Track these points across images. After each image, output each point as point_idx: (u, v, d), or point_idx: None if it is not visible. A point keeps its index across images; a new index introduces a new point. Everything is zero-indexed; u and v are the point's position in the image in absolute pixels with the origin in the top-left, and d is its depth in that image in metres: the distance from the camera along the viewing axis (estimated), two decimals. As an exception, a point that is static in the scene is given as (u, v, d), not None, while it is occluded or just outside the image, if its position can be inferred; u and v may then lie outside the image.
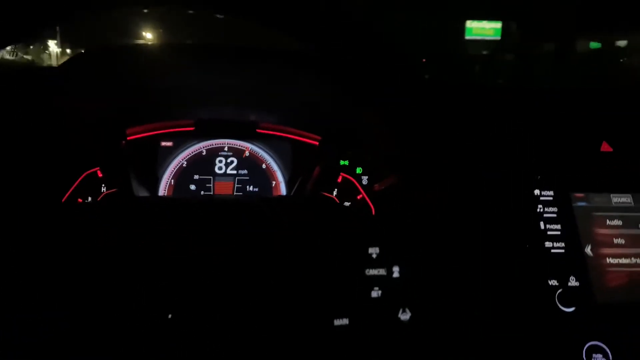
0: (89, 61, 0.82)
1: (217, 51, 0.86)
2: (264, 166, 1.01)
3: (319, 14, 0.67)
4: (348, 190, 0.98)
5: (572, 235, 0.74)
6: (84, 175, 0.94)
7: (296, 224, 0.66)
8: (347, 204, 0.98)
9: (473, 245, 0.72)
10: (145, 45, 0.89)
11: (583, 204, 0.76)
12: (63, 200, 0.93)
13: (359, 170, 0.99)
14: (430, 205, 0.77)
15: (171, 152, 0.99)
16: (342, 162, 0.99)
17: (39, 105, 0.83)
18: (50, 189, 0.91)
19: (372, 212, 0.96)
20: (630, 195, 0.77)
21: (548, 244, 0.73)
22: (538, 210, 0.75)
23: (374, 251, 0.66)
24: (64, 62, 0.81)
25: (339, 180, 0.99)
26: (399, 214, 0.83)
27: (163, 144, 0.99)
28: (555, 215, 0.75)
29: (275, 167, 1.01)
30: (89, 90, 0.85)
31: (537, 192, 0.76)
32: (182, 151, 1.00)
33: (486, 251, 0.71)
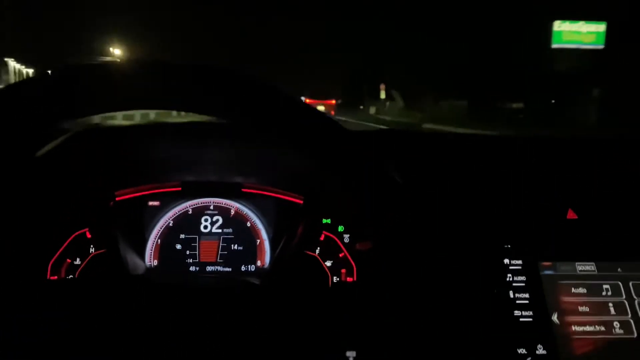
0: (82, 141, 0.85)
1: (197, 129, 0.91)
2: (248, 224, 1.05)
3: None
4: (330, 249, 1.02)
5: (540, 303, 0.78)
6: (73, 236, 0.97)
7: (277, 320, 0.69)
8: (328, 263, 1.01)
9: (448, 315, 0.76)
10: (133, 126, 0.94)
11: (550, 272, 0.80)
12: (52, 260, 0.96)
13: (340, 228, 1.03)
14: (408, 271, 0.81)
15: (158, 212, 1.03)
16: (324, 220, 1.03)
17: (28, 171, 0.86)
18: (39, 249, 0.94)
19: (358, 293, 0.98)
20: (593, 263, 0.82)
21: (517, 313, 0.77)
22: (507, 279, 0.80)
23: (350, 355, 0.68)
24: (57, 145, 0.85)
25: (322, 238, 1.02)
26: (380, 278, 0.86)
27: (150, 203, 1.03)
28: (523, 284, 0.79)
29: (259, 225, 1.05)
30: (82, 164, 0.89)
31: (506, 260, 0.81)
32: (169, 211, 1.03)
33: (461, 321, 0.75)
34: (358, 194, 0.90)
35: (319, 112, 0.62)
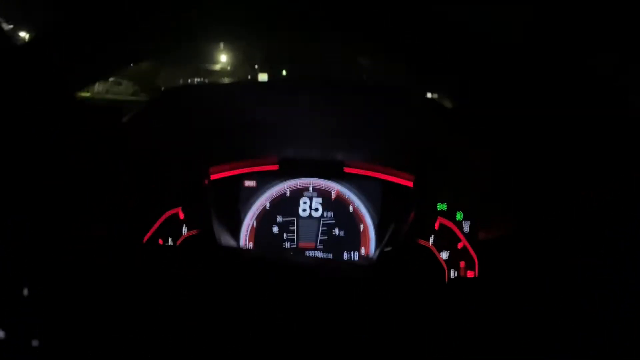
0: (171, 100, 0.78)
1: (301, 86, 0.81)
2: (351, 209, 0.93)
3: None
4: (447, 239, 0.88)
5: None
6: (165, 216, 0.91)
7: (389, 301, 0.57)
8: (444, 255, 0.87)
9: (596, 315, 0.59)
10: (225, 84, 0.86)
11: None
12: (145, 239, 0.90)
13: (459, 215, 0.88)
14: (548, 265, 0.66)
15: (254, 193, 0.94)
16: (439, 206, 0.89)
17: (121, 145, 0.81)
18: (132, 228, 0.88)
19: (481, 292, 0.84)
20: None
21: None
22: None
23: None
24: (147, 103, 0.79)
25: (436, 227, 0.88)
26: (508, 273, 0.71)
27: (246, 184, 0.94)
28: None
29: (363, 210, 0.93)
30: (171, 129, 0.82)
31: None
32: (266, 192, 0.94)
33: (616, 321, 0.58)
34: (498, 173, 0.76)
35: None
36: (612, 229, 0.63)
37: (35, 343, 0.45)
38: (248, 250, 0.91)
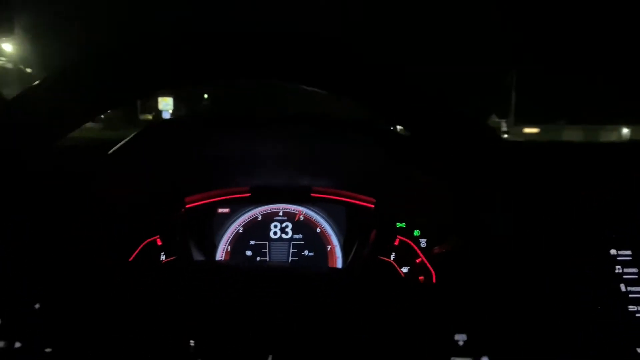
0: (153, 135, 0.85)
1: (272, 121, 0.90)
2: (318, 230, 1.01)
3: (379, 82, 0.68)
4: (406, 254, 0.96)
5: None
6: (144, 243, 0.96)
7: (356, 301, 0.64)
8: (405, 269, 0.95)
9: (554, 314, 0.68)
10: (204, 118, 0.94)
11: (665, 263, 0.72)
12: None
13: (416, 232, 0.97)
14: (498, 272, 0.74)
15: (228, 218, 1.01)
16: (398, 225, 0.98)
17: (102, 176, 0.87)
18: (110, 257, 0.93)
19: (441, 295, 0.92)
20: None
21: (632, 308, 0.68)
22: (617, 271, 0.71)
23: (460, 338, 0.61)
24: (131, 138, 0.86)
25: (396, 243, 0.97)
26: (463, 281, 0.79)
27: (220, 210, 1.01)
28: (636, 276, 0.71)
29: (330, 231, 1.01)
30: (151, 163, 0.89)
31: (613, 251, 0.73)
32: (238, 217, 1.01)
33: (568, 318, 0.67)
34: (444, 195, 0.85)
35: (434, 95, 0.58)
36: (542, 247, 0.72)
37: (48, 350, 0.51)
38: (222, 262, 0.96)
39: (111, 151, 0.85)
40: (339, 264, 0.99)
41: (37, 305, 0.56)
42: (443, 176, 0.81)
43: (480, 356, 0.57)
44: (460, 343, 0.58)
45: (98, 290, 0.65)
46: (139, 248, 0.96)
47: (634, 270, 0.71)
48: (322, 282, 0.65)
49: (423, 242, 0.97)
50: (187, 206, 1.00)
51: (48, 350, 0.53)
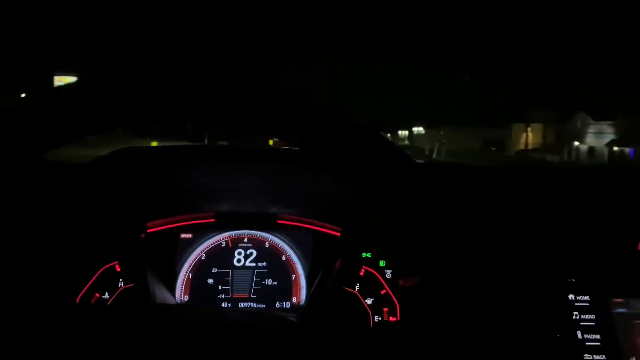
0: (119, 162, 0.83)
1: (232, 154, 0.88)
2: (283, 258, 0.99)
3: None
4: (371, 285, 0.95)
5: (613, 346, 0.70)
6: (102, 269, 0.93)
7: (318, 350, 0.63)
8: (369, 300, 0.94)
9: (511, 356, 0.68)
10: (171, 147, 0.91)
11: (623, 310, 0.72)
12: (81, 294, 0.92)
13: (382, 263, 0.97)
14: (459, 309, 0.74)
15: (190, 245, 0.98)
16: (364, 255, 0.97)
17: (61, 199, 0.84)
18: (68, 282, 0.90)
19: (402, 334, 0.91)
20: None
21: (587, 357, 0.69)
22: (574, 317, 0.71)
23: None
24: (94, 161, 0.83)
25: (362, 273, 0.96)
26: (425, 318, 0.79)
27: (182, 236, 0.98)
28: (593, 323, 0.71)
29: (295, 258, 0.99)
30: (115, 188, 0.86)
31: (571, 296, 0.73)
32: (201, 243, 0.99)
33: None
34: (408, 227, 0.84)
35: (381, 136, 0.58)
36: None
37: None
38: (181, 306, 0.94)
39: (75, 169, 0.82)
40: (303, 293, 0.98)
41: None
42: (393, 209, 0.80)
43: None
44: None
45: (44, 329, 0.63)
46: (97, 273, 0.93)
47: (591, 316, 0.71)
48: (279, 336, 0.64)
49: (388, 274, 0.96)
50: (148, 231, 0.97)
51: None
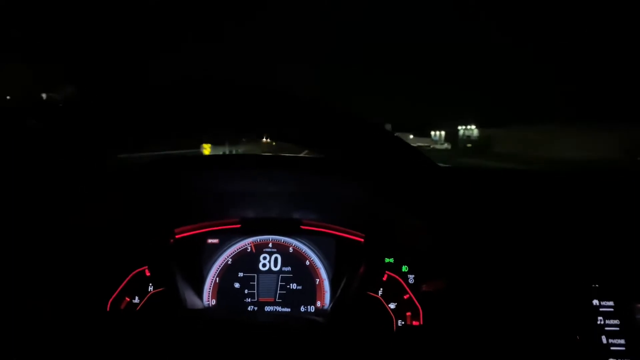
0: (152, 170, 0.85)
1: (259, 162, 0.91)
2: (307, 263, 1.01)
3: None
4: (394, 290, 0.97)
5: (638, 351, 0.70)
6: (132, 274, 0.96)
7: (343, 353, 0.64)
8: (392, 305, 0.96)
9: None
10: (196, 157, 0.95)
11: (647, 315, 0.73)
12: (111, 298, 0.95)
13: (404, 268, 0.98)
14: (482, 314, 0.75)
15: (217, 250, 1.01)
16: (387, 260, 0.99)
17: (96, 204, 0.87)
18: (99, 286, 0.93)
19: (425, 338, 0.92)
20: None
21: None
22: (598, 322, 0.73)
23: None
24: (129, 170, 0.86)
25: (385, 278, 0.97)
26: (449, 322, 0.80)
27: (209, 241, 1.01)
28: (618, 328, 0.72)
29: (319, 264, 1.01)
30: (144, 195, 0.89)
31: (595, 302, 0.74)
32: (228, 248, 1.01)
33: None
34: (432, 231, 0.86)
35: (404, 142, 0.60)
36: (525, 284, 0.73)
37: None
38: (210, 309, 0.96)
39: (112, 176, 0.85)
40: (327, 298, 0.99)
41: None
42: (419, 214, 0.82)
43: None
44: None
45: (75, 330, 0.66)
46: (128, 278, 0.96)
47: (616, 322, 0.72)
48: (307, 340, 0.66)
49: (411, 279, 0.98)
50: (176, 237, 1.00)
51: None
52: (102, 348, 0.64)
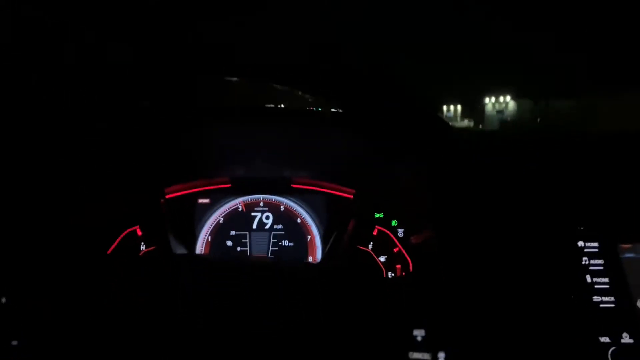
0: (133, 124, 0.85)
1: (253, 113, 0.90)
2: (298, 220, 1.02)
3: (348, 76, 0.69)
4: (384, 244, 0.98)
5: (622, 288, 0.72)
6: (124, 233, 0.97)
7: (333, 295, 0.65)
8: (382, 258, 0.97)
9: (519, 305, 0.70)
10: (186, 107, 0.94)
11: (631, 255, 0.74)
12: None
13: (394, 222, 0.99)
14: (470, 262, 0.76)
15: (208, 209, 1.01)
16: (377, 215, 1.00)
17: (84, 164, 0.87)
18: (92, 246, 0.94)
19: (415, 286, 0.94)
20: None
21: (597, 299, 0.71)
22: (583, 262, 0.74)
23: (419, 333, 0.63)
24: (108, 130, 0.85)
25: (375, 233, 0.98)
26: (438, 271, 0.82)
27: (200, 201, 1.02)
28: (602, 267, 0.73)
29: (310, 221, 1.02)
30: (131, 151, 0.89)
31: (581, 243, 0.75)
32: (219, 208, 1.02)
33: (533, 309, 0.69)
34: (420, 186, 0.86)
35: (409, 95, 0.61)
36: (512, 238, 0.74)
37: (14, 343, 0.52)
38: (201, 255, 0.97)
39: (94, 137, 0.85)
40: (319, 253, 1.01)
41: (3, 299, 0.56)
42: (416, 168, 0.83)
43: (438, 351, 0.60)
44: (419, 338, 0.61)
45: (75, 281, 0.66)
46: (120, 237, 0.97)
47: (600, 261, 0.74)
48: (299, 276, 0.67)
49: (400, 232, 0.99)
50: (167, 196, 1.00)
51: (14, 343, 0.53)
52: (99, 294, 0.64)
